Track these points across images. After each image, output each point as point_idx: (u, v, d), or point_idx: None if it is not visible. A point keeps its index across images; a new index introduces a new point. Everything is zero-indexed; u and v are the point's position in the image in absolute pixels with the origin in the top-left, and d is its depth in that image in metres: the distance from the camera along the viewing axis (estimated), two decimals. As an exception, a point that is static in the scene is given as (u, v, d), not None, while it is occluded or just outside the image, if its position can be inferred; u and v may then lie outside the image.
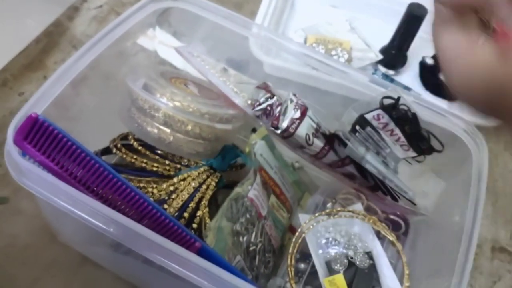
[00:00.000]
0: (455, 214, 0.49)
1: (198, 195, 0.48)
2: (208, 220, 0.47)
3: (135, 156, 0.50)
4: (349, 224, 0.49)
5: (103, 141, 0.54)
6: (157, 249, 0.36)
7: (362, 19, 0.88)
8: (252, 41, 0.62)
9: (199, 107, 0.49)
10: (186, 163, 0.51)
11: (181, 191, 0.48)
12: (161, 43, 0.59)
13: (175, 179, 0.49)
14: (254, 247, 0.46)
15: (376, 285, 0.46)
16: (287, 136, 0.49)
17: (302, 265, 0.47)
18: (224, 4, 0.54)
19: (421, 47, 0.81)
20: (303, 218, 0.50)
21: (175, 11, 0.55)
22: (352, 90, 0.54)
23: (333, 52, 0.81)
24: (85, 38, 0.73)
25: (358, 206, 0.51)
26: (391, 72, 0.82)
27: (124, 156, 0.50)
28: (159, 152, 0.51)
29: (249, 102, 0.51)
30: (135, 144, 0.51)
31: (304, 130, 0.49)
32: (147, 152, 0.51)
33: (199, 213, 0.48)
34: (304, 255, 0.48)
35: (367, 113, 0.51)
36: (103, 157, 0.53)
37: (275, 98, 0.50)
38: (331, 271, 0.46)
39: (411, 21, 0.77)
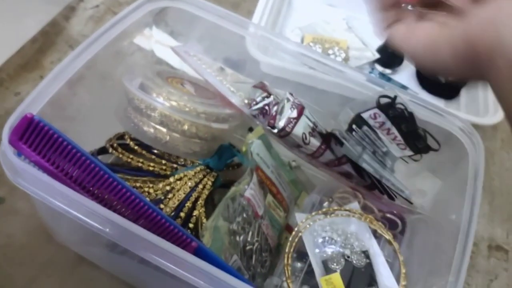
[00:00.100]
0: (452, 213, 0.49)
1: (195, 194, 0.48)
2: (204, 220, 0.47)
3: (131, 156, 0.50)
4: (346, 223, 0.49)
5: (99, 141, 0.54)
6: (153, 249, 0.36)
7: (359, 18, 0.88)
8: (249, 40, 0.62)
9: (195, 106, 0.49)
10: (183, 163, 0.51)
11: (178, 190, 0.48)
12: (157, 42, 0.59)
13: (171, 179, 0.48)
14: (250, 246, 0.46)
15: (373, 284, 0.46)
16: (283, 135, 0.49)
17: (298, 264, 0.47)
18: (221, 4, 0.54)
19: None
20: (299, 217, 0.50)
21: (172, 11, 0.54)
22: (349, 89, 0.54)
23: (330, 51, 0.81)
24: (82, 38, 0.73)
25: (355, 205, 0.51)
26: (388, 71, 0.82)
27: (121, 155, 0.50)
28: (155, 151, 0.51)
29: (246, 101, 0.51)
30: (132, 143, 0.51)
31: (300, 129, 0.49)
32: (144, 152, 0.51)
33: (195, 212, 0.47)
34: (301, 254, 0.48)
35: (364, 112, 0.51)
36: (100, 157, 0.52)
37: (271, 97, 0.50)
38: (327, 270, 0.46)
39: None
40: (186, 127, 0.49)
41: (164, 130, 0.49)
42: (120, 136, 0.53)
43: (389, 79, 0.81)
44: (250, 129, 0.53)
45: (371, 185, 0.53)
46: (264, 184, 0.51)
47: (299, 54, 0.54)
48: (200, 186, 0.49)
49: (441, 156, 0.52)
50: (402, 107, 0.51)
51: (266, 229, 0.49)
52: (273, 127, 0.49)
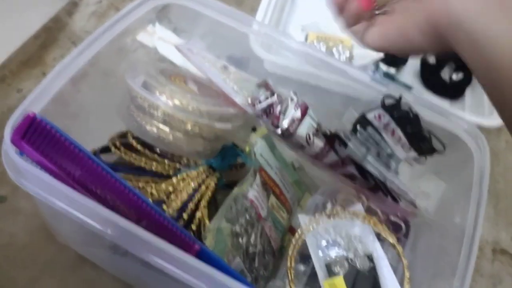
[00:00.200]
0: (456, 216, 0.48)
1: (197, 195, 0.48)
2: (207, 221, 0.47)
3: (134, 155, 0.50)
4: (350, 226, 0.49)
5: (102, 139, 0.53)
6: (155, 251, 0.36)
7: (364, 16, 0.87)
8: (253, 38, 0.61)
9: (198, 105, 0.48)
10: (186, 163, 0.51)
11: (180, 191, 0.47)
12: (160, 39, 0.58)
13: (174, 179, 0.48)
14: (253, 248, 0.46)
15: (376, 288, 0.46)
16: (287, 135, 0.48)
17: (302, 267, 0.47)
18: (224, 1, 0.54)
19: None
20: (303, 219, 0.49)
21: (175, 7, 0.54)
22: (353, 88, 0.53)
23: (334, 50, 0.80)
24: (84, 34, 0.72)
25: (359, 207, 0.51)
26: (392, 70, 0.82)
27: (123, 155, 0.50)
28: (158, 151, 0.51)
29: (249, 101, 0.50)
30: (134, 142, 0.51)
31: (304, 129, 0.49)
32: (146, 151, 0.50)
33: (198, 214, 0.47)
34: (304, 256, 0.47)
35: (368, 112, 0.51)
36: (102, 156, 0.52)
37: (275, 96, 0.49)
38: (331, 274, 0.45)
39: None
40: (189, 126, 0.48)
41: (167, 129, 0.48)
42: (123, 135, 0.53)
43: (393, 78, 0.81)
44: (254, 129, 0.53)
45: (375, 187, 0.52)
46: (267, 185, 0.51)
47: (303, 53, 0.54)
48: (203, 187, 0.48)
49: (446, 158, 0.52)
50: (407, 108, 0.51)
51: (269, 231, 0.48)
52: (277, 127, 0.48)
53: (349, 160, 0.51)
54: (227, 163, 0.51)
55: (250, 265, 0.45)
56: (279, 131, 0.48)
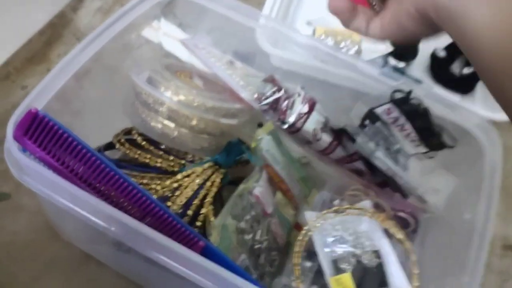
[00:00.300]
0: (466, 212, 0.47)
1: (203, 192, 0.47)
2: (212, 218, 0.46)
3: (138, 152, 0.50)
4: (357, 222, 0.48)
5: (106, 136, 0.53)
6: (160, 248, 0.35)
7: (372, 10, 0.86)
8: (259, 32, 0.60)
9: (204, 101, 0.48)
10: (191, 159, 0.50)
11: (185, 188, 0.47)
12: (166, 35, 0.58)
13: (179, 176, 0.48)
14: (259, 245, 0.45)
15: (384, 285, 0.45)
16: (294, 131, 0.48)
17: (308, 264, 0.46)
18: (230, -6, 0.53)
19: (433, 39, 0.79)
20: (309, 215, 0.49)
21: (181, 2, 0.53)
22: (362, 83, 0.52)
23: (342, 44, 0.79)
24: (89, 31, 0.71)
25: (367, 203, 0.50)
26: (401, 64, 0.80)
27: (128, 151, 0.50)
28: (163, 147, 0.50)
29: (256, 96, 0.49)
30: (139, 139, 0.50)
31: (311, 125, 0.48)
32: (151, 148, 0.50)
33: (203, 210, 0.47)
34: (311, 253, 0.47)
35: (377, 107, 0.50)
36: (107, 152, 0.52)
37: (282, 91, 0.49)
38: (338, 270, 0.45)
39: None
40: (194, 122, 0.48)
41: (172, 125, 0.48)
42: (128, 131, 0.52)
43: (402, 73, 0.79)
44: (260, 125, 0.52)
45: (383, 183, 0.51)
46: (273, 182, 0.50)
47: (311, 47, 0.53)
48: (208, 183, 0.48)
49: (456, 153, 0.51)
50: (416, 102, 0.50)
51: (275, 228, 0.48)
52: (283, 123, 0.47)
53: (357, 156, 0.50)
54: (233, 159, 0.51)
55: (255, 262, 0.45)
56: (285, 126, 0.47)
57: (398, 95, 0.50)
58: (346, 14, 0.40)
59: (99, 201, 0.36)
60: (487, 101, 0.75)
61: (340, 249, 0.46)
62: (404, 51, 0.80)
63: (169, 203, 0.46)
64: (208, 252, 0.37)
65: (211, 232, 0.42)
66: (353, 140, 0.49)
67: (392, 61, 0.80)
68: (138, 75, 0.49)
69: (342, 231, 0.47)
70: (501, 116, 0.68)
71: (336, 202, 0.52)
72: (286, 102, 0.48)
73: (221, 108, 0.49)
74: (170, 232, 0.37)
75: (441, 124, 0.50)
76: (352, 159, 0.51)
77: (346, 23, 0.41)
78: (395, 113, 0.50)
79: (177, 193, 0.46)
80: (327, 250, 0.46)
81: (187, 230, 0.38)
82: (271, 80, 0.50)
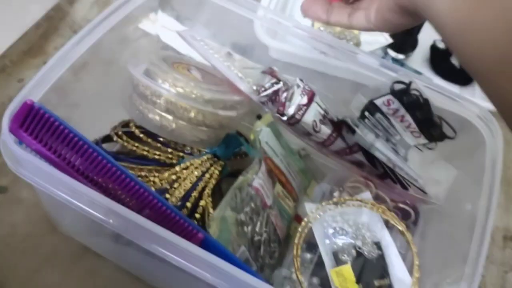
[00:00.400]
0: (467, 203, 0.47)
1: (201, 184, 0.47)
2: (211, 210, 0.46)
3: (136, 144, 0.49)
4: (357, 214, 0.48)
5: (104, 128, 0.53)
6: (158, 240, 0.35)
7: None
8: (258, 24, 0.60)
9: (202, 93, 0.47)
10: (189, 151, 0.50)
11: (184, 180, 0.46)
12: (163, 27, 0.57)
13: (177, 168, 0.47)
14: (259, 237, 0.45)
15: (385, 276, 0.45)
16: (293, 122, 0.47)
17: (308, 255, 0.46)
18: (228, -15, 0.52)
19: (432, 31, 0.79)
20: (309, 207, 0.48)
21: (178, -6, 0.53)
22: (361, 75, 0.52)
23: (341, 36, 0.79)
24: (86, 23, 0.71)
25: (367, 195, 0.50)
26: (401, 56, 0.80)
27: (125, 144, 0.49)
28: (161, 139, 0.50)
29: (254, 87, 0.49)
30: (137, 131, 0.50)
31: (311, 116, 0.47)
32: (149, 140, 0.50)
33: (202, 202, 0.46)
34: (311, 245, 0.47)
35: (377, 98, 0.50)
36: (104, 145, 0.51)
37: (281, 83, 0.48)
38: (338, 262, 0.45)
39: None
40: (192, 114, 0.47)
41: (170, 117, 0.47)
42: (125, 124, 0.52)
43: (402, 65, 0.79)
44: (259, 117, 0.52)
45: (383, 174, 0.51)
46: (272, 173, 0.50)
47: (309, 39, 0.53)
48: (207, 175, 0.48)
49: (457, 144, 0.50)
50: (417, 93, 0.49)
51: (274, 219, 0.48)
52: (282, 114, 0.47)
53: (357, 147, 0.50)
54: (231, 151, 0.51)
55: (255, 254, 0.45)
56: (285, 118, 0.47)
57: (398, 86, 0.50)
58: (322, 16, 0.44)
59: (96, 193, 0.35)
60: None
61: (340, 241, 0.46)
62: (404, 43, 0.80)
63: (167, 196, 0.45)
64: (207, 244, 0.37)
65: (210, 224, 0.41)
66: (353, 131, 0.49)
67: (392, 53, 0.80)
68: (136, 67, 0.49)
69: (342, 223, 0.47)
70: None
71: (336, 193, 0.51)
72: (285, 94, 0.48)
73: (219, 100, 0.48)
74: (169, 224, 0.37)
75: (441, 115, 0.50)
76: (352, 150, 0.51)
77: (325, 20, 0.44)
78: (395, 104, 0.50)
79: (176, 185, 0.46)
80: (327, 241, 0.46)
81: (186, 222, 0.38)
82: (270, 72, 0.50)
